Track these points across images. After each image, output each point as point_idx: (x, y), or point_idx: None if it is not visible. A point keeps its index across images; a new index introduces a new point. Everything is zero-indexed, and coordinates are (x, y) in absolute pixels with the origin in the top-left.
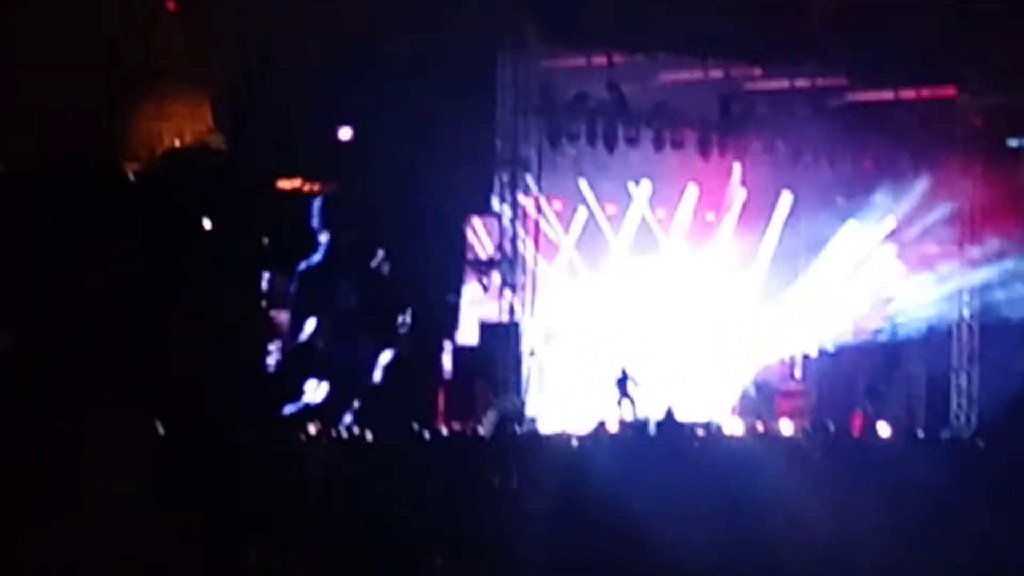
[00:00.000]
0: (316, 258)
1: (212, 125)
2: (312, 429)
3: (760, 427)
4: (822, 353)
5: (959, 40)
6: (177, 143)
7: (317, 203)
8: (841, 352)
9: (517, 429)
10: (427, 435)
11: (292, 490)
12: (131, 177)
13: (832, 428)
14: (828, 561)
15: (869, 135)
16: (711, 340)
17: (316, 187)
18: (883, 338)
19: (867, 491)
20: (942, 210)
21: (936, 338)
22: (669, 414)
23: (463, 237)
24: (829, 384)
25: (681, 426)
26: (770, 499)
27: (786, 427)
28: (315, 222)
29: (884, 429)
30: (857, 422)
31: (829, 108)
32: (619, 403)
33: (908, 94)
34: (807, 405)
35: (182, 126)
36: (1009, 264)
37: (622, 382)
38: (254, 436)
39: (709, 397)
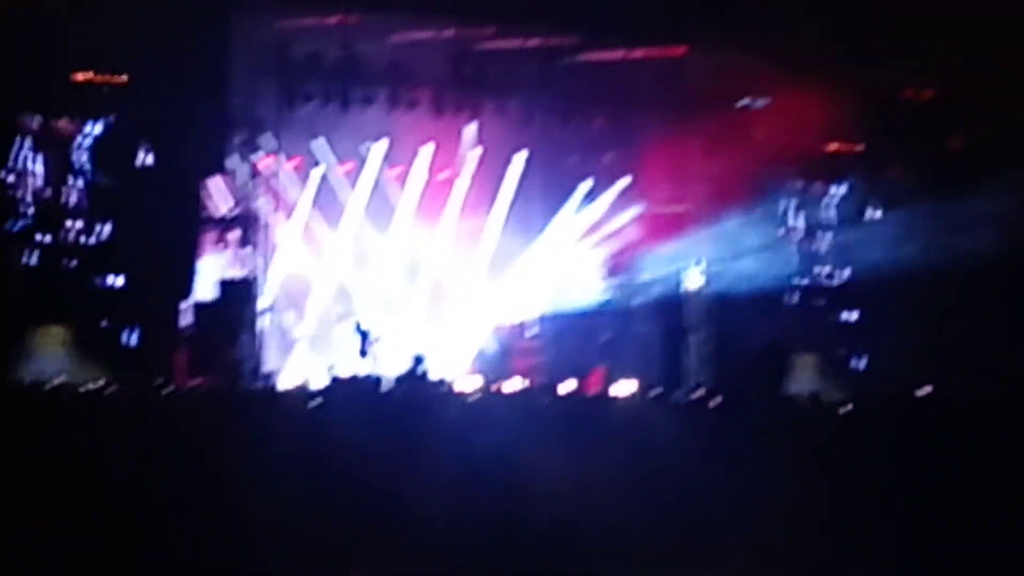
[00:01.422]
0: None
1: None
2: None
3: (492, 386)
4: (558, 314)
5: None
6: None
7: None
8: (579, 312)
9: (255, 384)
10: (167, 390)
11: (33, 445)
12: None
13: (561, 386)
14: (560, 518)
15: (602, 95)
16: (448, 300)
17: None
18: (620, 298)
19: (597, 446)
20: (675, 172)
21: (673, 299)
22: (411, 371)
23: (198, 196)
24: (567, 343)
25: (417, 383)
26: (497, 454)
27: (517, 384)
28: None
29: (623, 387)
30: (595, 380)
31: (561, 68)
32: (357, 357)
33: (638, 53)
34: (542, 363)
35: None
36: (741, 225)
37: (361, 338)
38: None
39: (447, 356)
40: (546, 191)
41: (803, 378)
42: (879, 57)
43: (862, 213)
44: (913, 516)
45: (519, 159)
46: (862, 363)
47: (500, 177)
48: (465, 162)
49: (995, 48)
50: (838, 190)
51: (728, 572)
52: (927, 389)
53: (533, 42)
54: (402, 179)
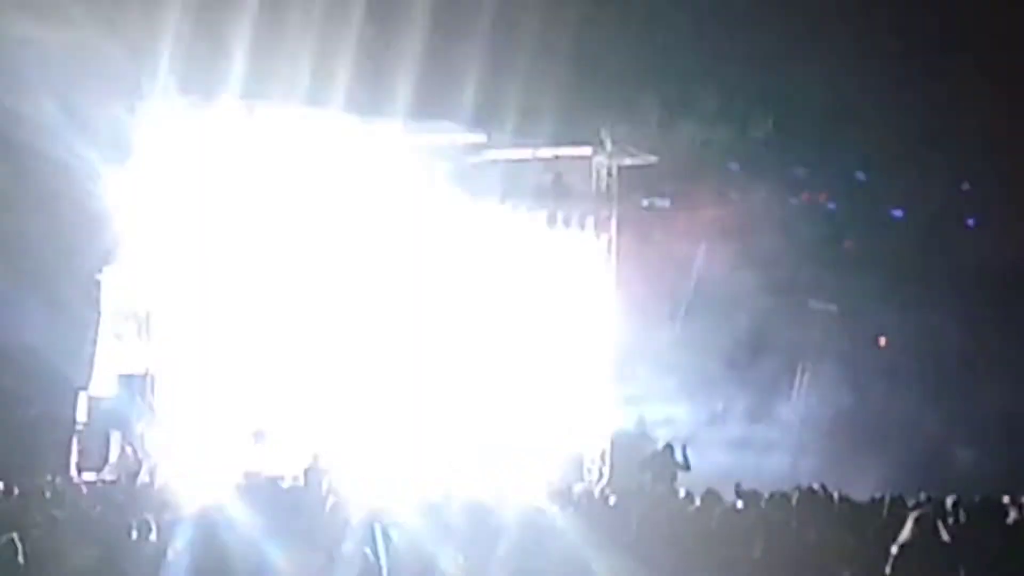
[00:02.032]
0: None
1: None
2: None
3: None
4: None
5: (595, 101)
6: None
7: None
8: None
9: (148, 482)
10: (58, 483)
11: None
12: None
13: None
14: None
15: (508, 189)
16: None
17: None
18: None
19: None
20: None
21: None
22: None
23: (98, 288)
24: None
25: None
26: None
27: None
28: None
29: None
30: None
31: (466, 164)
32: (252, 454)
33: (545, 153)
34: None
35: None
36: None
37: (256, 434)
38: None
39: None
40: None
41: None
42: None
43: None
44: None
45: None
46: None
47: None
48: None
49: None
50: None
51: None
52: None
53: (440, 139)
54: None
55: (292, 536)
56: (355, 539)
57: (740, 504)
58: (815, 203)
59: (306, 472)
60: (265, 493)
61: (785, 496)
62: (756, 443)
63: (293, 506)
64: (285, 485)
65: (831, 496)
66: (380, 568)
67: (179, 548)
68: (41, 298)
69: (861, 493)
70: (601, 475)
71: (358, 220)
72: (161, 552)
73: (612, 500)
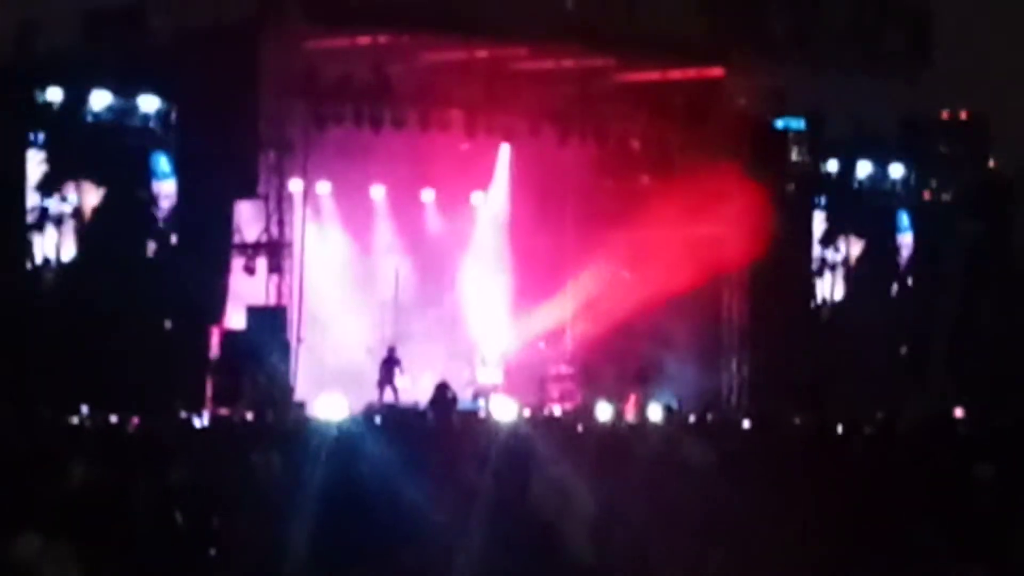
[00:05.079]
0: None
1: None
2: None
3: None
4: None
5: (726, 21)
6: None
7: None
8: (610, 336)
9: (285, 415)
10: (196, 422)
11: (57, 477)
12: None
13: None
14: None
15: (637, 115)
16: (476, 321)
17: None
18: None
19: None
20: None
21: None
22: (440, 396)
23: (229, 221)
24: (598, 369)
25: (453, 408)
26: (544, 482)
27: (556, 411)
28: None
29: (656, 412)
30: (630, 405)
31: (596, 88)
32: (384, 385)
33: (675, 74)
34: (577, 389)
35: None
36: None
37: (388, 363)
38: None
39: (477, 379)
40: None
41: None
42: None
43: None
44: None
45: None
46: None
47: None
48: (497, 183)
49: None
50: None
51: None
52: None
53: (567, 63)
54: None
55: (427, 466)
56: (488, 467)
57: None
58: None
59: (435, 401)
60: (398, 422)
61: None
62: None
63: (427, 435)
64: (417, 414)
65: None
66: (518, 492)
67: (313, 481)
68: (173, 232)
69: None
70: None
71: None
72: (296, 484)
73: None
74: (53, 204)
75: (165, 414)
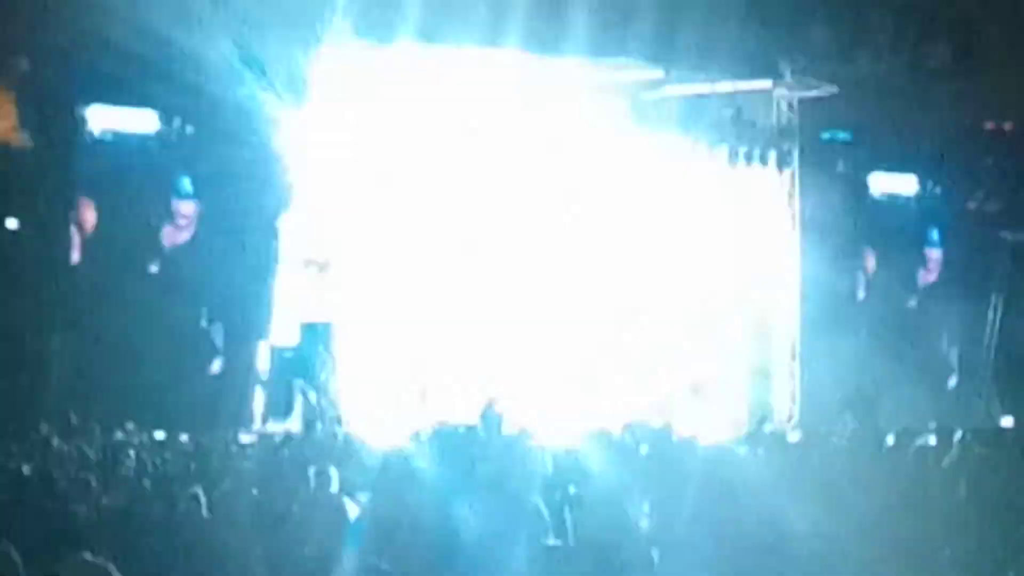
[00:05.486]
0: None
1: (16, 124)
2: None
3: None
4: None
5: (774, 33)
6: None
7: None
8: None
9: (332, 431)
10: (243, 438)
11: (102, 496)
12: None
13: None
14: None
15: (686, 128)
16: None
17: None
18: None
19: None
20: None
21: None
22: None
23: (277, 235)
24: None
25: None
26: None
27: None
28: None
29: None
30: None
31: (644, 100)
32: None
33: (724, 86)
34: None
35: None
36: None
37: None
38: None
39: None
40: None
41: None
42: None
43: None
44: None
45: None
46: None
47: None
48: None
49: None
50: None
51: None
52: None
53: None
54: None
55: (477, 483)
56: (539, 484)
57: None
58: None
59: (484, 417)
60: (448, 440)
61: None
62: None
63: (477, 453)
64: (466, 431)
65: None
66: (565, 514)
67: (363, 498)
68: (220, 247)
69: None
70: (791, 415)
71: (536, 160)
72: (345, 502)
73: (797, 437)
74: None
75: (214, 430)
